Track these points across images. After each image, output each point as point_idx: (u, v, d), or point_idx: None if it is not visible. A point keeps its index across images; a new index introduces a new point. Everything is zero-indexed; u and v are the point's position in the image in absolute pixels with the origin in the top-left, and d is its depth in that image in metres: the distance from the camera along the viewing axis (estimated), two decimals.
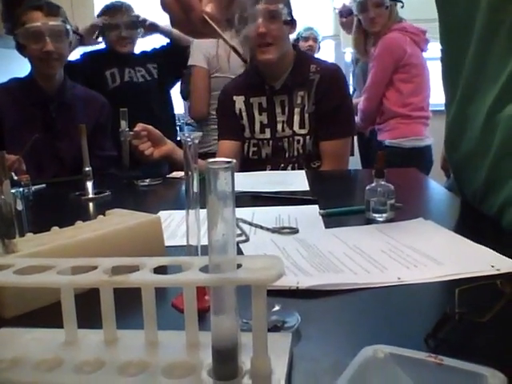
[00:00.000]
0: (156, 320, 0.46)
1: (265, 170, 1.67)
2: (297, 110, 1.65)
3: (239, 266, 0.40)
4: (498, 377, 0.37)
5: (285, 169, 1.68)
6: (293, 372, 0.43)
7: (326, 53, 4.17)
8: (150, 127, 1.58)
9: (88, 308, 0.47)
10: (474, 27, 0.85)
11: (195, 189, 0.56)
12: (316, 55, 3.50)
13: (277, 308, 0.53)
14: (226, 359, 0.40)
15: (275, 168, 1.68)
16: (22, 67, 1.89)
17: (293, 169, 1.67)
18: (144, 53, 2.58)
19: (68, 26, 1.76)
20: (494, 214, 0.88)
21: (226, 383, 0.40)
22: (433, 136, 2.65)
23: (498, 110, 0.82)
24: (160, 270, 0.43)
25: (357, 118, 2.68)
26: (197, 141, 0.56)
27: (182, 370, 0.42)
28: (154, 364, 0.43)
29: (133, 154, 1.54)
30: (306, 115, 1.65)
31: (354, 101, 2.67)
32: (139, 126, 1.55)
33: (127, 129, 1.46)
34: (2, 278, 0.44)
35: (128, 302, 0.48)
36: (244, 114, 1.70)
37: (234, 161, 0.38)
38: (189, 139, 0.55)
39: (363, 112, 2.74)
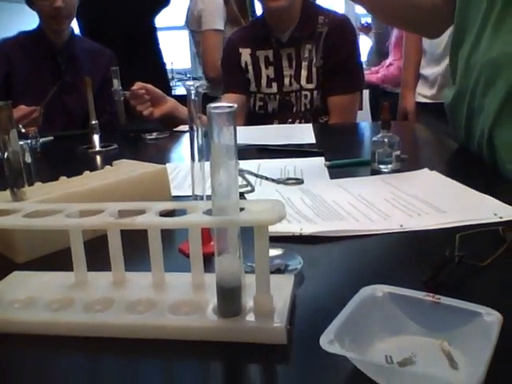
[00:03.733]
0: (163, 261, 0.48)
1: (272, 124, 1.66)
2: (304, 64, 1.63)
3: (242, 209, 0.41)
4: (493, 315, 0.38)
5: (292, 124, 1.66)
6: (295, 310, 0.45)
7: (335, 2, 4.06)
8: (149, 86, 1.53)
9: (97, 254, 0.49)
10: None
11: (200, 139, 0.56)
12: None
13: (280, 252, 0.54)
14: (229, 297, 0.41)
15: (283, 123, 1.66)
16: (29, 21, 1.87)
17: (300, 123, 1.66)
18: None
19: None
20: (475, 151, 0.96)
21: (230, 320, 0.42)
22: None
23: (474, 54, 0.90)
24: (166, 215, 0.45)
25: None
26: (201, 90, 0.56)
27: (188, 308, 0.44)
28: (161, 302, 0.45)
29: (133, 112, 1.52)
30: (314, 69, 1.62)
31: None
32: (137, 85, 1.50)
33: (120, 87, 1.45)
34: (11, 222, 0.45)
35: (136, 248, 0.49)
36: (250, 67, 1.68)
37: (236, 105, 0.38)
38: (192, 88, 0.55)
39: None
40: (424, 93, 1.98)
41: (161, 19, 2.99)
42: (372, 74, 2.85)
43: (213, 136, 0.38)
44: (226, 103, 0.39)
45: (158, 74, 1.83)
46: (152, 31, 2.62)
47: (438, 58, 1.89)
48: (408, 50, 2.09)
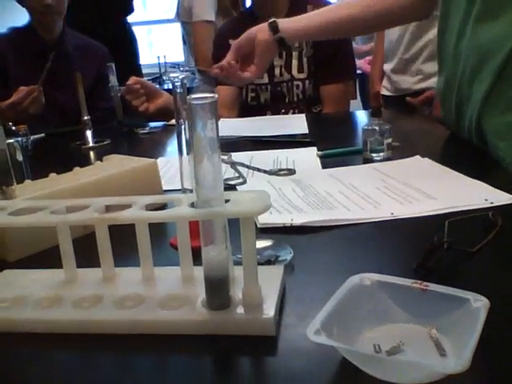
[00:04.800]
0: (151, 255, 0.48)
1: (265, 115, 1.65)
2: (295, 54, 1.62)
3: (227, 200, 0.41)
4: (481, 300, 0.38)
5: (286, 114, 1.66)
6: (284, 301, 0.45)
7: None
8: (143, 80, 1.54)
9: (88, 251, 0.48)
10: None
11: (187, 132, 0.56)
12: None
13: (270, 243, 0.54)
14: (217, 289, 0.41)
15: (276, 114, 1.65)
16: (19, 17, 1.85)
17: (293, 114, 1.65)
18: None
19: None
20: (466, 137, 0.95)
21: (219, 313, 0.41)
22: None
23: (461, 41, 0.89)
24: (158, 209, 0.45)
25: None
26: (186, 81, 0.56)
27: (177, 302, 0.43)
28: (150, 297, 0.45)
29: (128, 108, 1.52)
30: (305, 59, 1.61)
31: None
32: (132, 79, 1.50)
33: (117, 83, 1.45)
34: None
35: (126, 243, 0.49)
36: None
37: (216, 95, 0.38)
38: (177, 80, 0.54)
39: None
40: (386, 86, 2.00)
41: (153, 13, 2.96)
42: (366, 64, 2.83)
43: (195, 127, 0.38)
44: (211, 94, 0.39)
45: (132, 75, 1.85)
46: (126, 33, 2.62)
47: (390, 53, 1.90)
48: (377, 48, 2.10)
